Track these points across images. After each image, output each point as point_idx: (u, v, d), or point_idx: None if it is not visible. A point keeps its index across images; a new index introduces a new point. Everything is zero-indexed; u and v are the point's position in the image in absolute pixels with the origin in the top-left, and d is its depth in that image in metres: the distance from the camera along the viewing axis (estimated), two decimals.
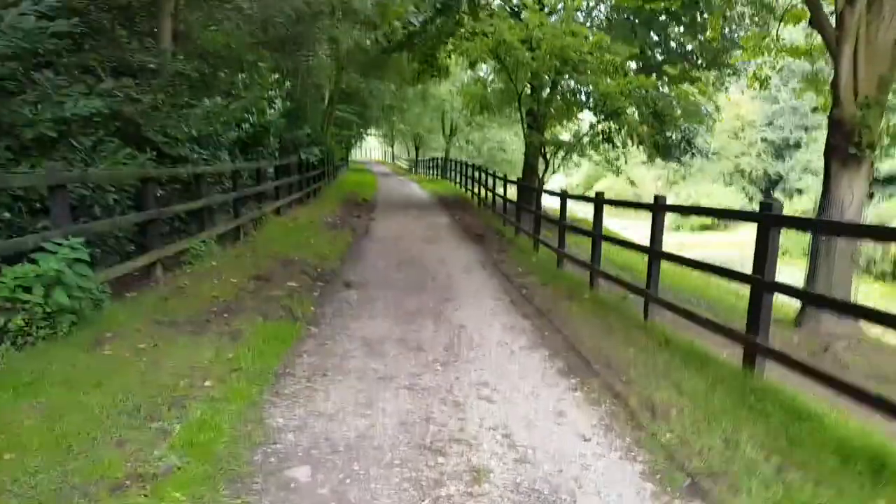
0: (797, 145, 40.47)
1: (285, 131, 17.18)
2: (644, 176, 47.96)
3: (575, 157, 15.28)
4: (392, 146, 59.51)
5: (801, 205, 34.11)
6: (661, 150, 14.63)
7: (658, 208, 5.61)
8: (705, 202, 39.67)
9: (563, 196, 8.74)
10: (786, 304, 10.83)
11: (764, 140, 42.34)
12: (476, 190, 19.22)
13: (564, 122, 17.07)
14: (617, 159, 15.13)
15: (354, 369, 4.41)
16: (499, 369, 4.46)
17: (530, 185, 11.90)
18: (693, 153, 15.73)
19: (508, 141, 37.00)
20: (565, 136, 16.08)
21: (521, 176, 17.43)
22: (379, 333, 5.38)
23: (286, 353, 4.69)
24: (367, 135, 49.27)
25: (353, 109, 32.17)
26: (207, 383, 3.81)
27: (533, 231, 10.48)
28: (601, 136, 14.91)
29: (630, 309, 6.05)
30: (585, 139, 15.00)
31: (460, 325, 5.70)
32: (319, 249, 9.64)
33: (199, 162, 9.45)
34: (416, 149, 47.09)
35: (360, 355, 4.75)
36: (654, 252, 5.57)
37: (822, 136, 33.38)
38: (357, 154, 58.70)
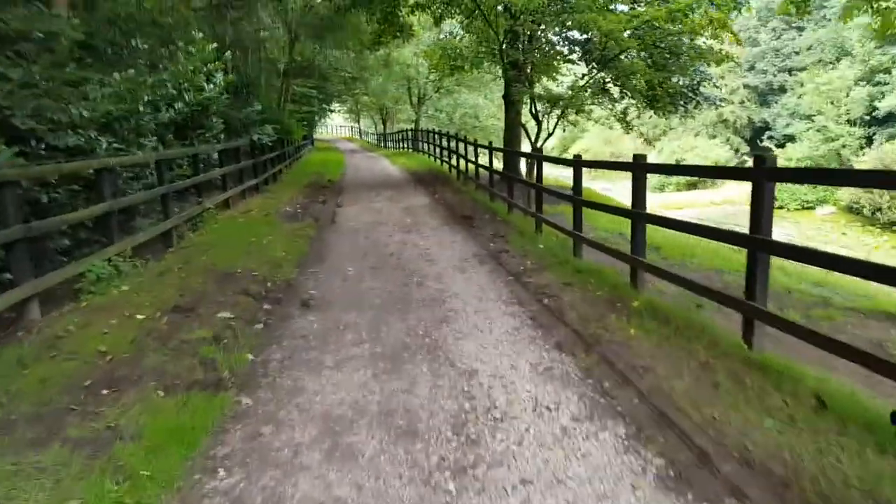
0: (782, 89, 38.85)
1: (231, 109, 14.89)
2: (621, 133, 46.17)
3: (572, 115, 13.21)
4: (358, 121, 56.75)
5: (797, 153, 32.59)
6: (666, 100, 12.63)
7: (762, 174, 3.64)
8: (691, 157, 38.15)
9: (578, 164, 6.82)
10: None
11: (746, 87, 40.66)
12: (454, 162, 17.18)
13: (548, 77, 14.95)
14: (624, 113, 13.08)
15: (305, 501, 2.52)
16: (554, 481, 2.60)
17: (528, 153, 9.87)
18: (698, 102, 13.83)
19: (482, 105, 34.64)
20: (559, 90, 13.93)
21: (504, 143, 15.45)
22: (348, 401, 3.47)
23: (189, 468, 2.77)
24: (331, 111, 46.54)
25: (312, 83, 29.61)
26: None
27: (535, 209, 8.58)
28: (596, 87, 12.83)
29: (712, 326, 4.18)
30: (587, 92, 12.79)
31: (469, 372, 3.82)
32: (272, 252, 7.64)
33: (108, 152, 7.30)
34: (384, 122, 44.57)
35: (317, 461, 2.84)
36: (762, 244, 3.64)
37: (808, 78, 31.58)
38: (322, 132, 55.85)
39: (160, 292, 5.61)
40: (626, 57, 11.88)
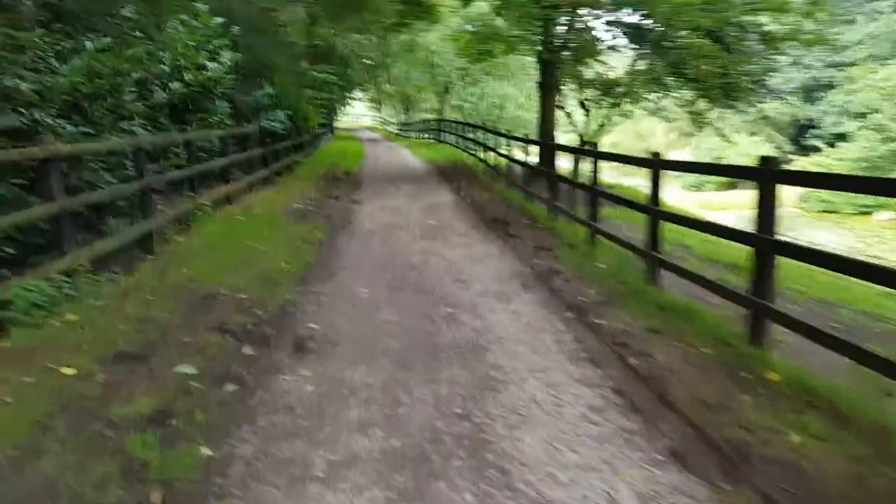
0: (829, 86, 36.46)
1: (240, 93, 13.52)
2: (653, 128, 43.98)
3: (627, 105, 11.50)
4: (380, 110, 55.40)
5: (851, 153, 30.21)
6: (743, 88, 10.78)
7: None
8: (731, 154, 35.98)
9: (657, 164, 5.27)
10: None
11: (791, 82, 38.24)
12: (482, 154, 15.66)
13: (588, 62, 13.23)
14: (693, 103, 11.30)
15: None
16: None
17: (579, 148, 8.28)
18: (761, 94, 12.06)
19: (510, 94, 32.89)
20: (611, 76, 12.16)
21: (538, 135, 13.86)
22: None
23: None
24: (353, 99, 45.17)
25: (332, 69, 28.24)
26: None
27: (588, 216, 7.06)
28: (657, 74, 11.12)
29: None
30: (645, 79, 11.04)
31: None
32: (271, 262, 6.24)
33: (70, 136, 5.96)
34: (406, 111, 43.08)
35: None
36: None
37: (860, 73, 29.26)
38: (343, 120, 54.59)
39: (112, 326, 4.23)
40: (688, 38, 10.16)
